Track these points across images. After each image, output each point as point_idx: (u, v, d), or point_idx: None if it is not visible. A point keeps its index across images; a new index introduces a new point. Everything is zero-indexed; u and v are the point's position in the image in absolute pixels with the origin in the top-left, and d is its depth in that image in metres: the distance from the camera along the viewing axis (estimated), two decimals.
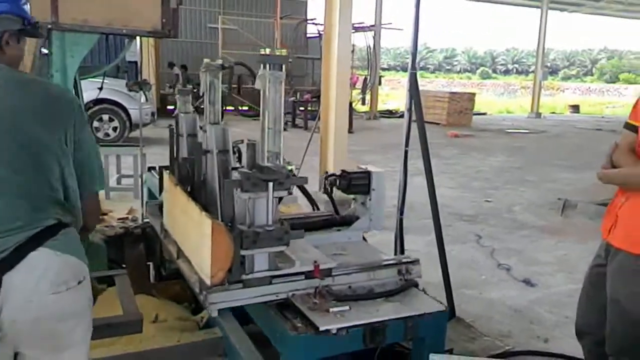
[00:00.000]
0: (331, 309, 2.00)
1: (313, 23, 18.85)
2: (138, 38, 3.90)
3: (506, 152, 11.50)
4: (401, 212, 3.38)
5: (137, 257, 3.19)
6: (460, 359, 2.04)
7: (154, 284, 3.24)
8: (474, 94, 18.98)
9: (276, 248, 2.03)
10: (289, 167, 2.10)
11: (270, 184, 1.97)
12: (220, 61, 2.54)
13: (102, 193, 6.11)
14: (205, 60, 2.57)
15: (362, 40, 17.85)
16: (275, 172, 1.97)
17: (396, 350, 2.60)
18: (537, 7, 21.70)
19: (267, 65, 1.98)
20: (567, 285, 4.18)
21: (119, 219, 4.30)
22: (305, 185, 2.58)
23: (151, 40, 14.03)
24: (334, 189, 2.71)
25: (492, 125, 17.55)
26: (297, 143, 9.90)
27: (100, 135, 9.68)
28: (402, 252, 3.41)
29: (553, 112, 25.27)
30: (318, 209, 3.07)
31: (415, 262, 2.34)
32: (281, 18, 17.67)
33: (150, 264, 3.32)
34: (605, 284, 2.20)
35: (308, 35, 20.62)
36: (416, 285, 2.26)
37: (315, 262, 2.12)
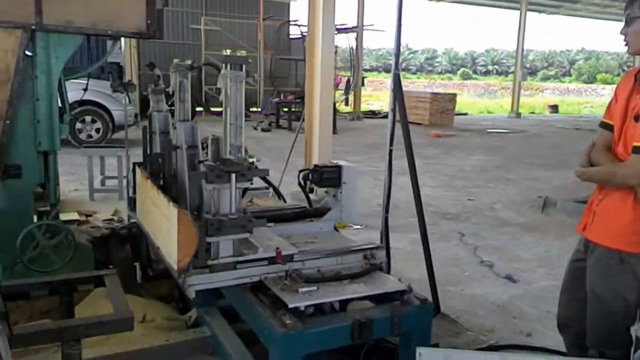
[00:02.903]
0: (300, 289, 2.14)
1: (296, 24, 18.84)
2: (123, 39, 3.89)
3: (487, 151, 11.65)
4: (386, 211, 3.43)
5: (123, 258, 3.19)
6: (446, 352, 2.08)
7: (141, 284, 3.25)
8: (455, 95, 19.16)
9: (240, 235, 2.16)
10: (251, 160, 2.21)
11: (233, 176, 2.10)
12: (189, 61, 2.65)
13: (86, 194, 6.12)
14: (175, 60, 2.67)
15: (344, 42, 17.95)
16: (237, 164, 2.11)
17: (383, 346, 2.65)
18: (516, 8, 21.99)
19: (229, 66, 2.11)
20: (548, 281, 4.27)
21: (105, 220, 4.28)
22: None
23: (133, 41, 13.92)
24: (307, 182, 2.85)
25: (473, 125, 17.75)
26: (281, 144, 9.93)
27: (83, 136, 9.57)
28: (388, 250, 3.45)
29: (532, 112, 25.63)
30: (285, 201, 3.22)
31: (380, 247, 2.51)
32: (264, 19, 17.65)
33: (137, 264, 3.33)
34: (585, 277, 2.27)
35: (291, 37, 20.61)
36: (381, 268, 2.42)
37: (277, 248, 2.28)
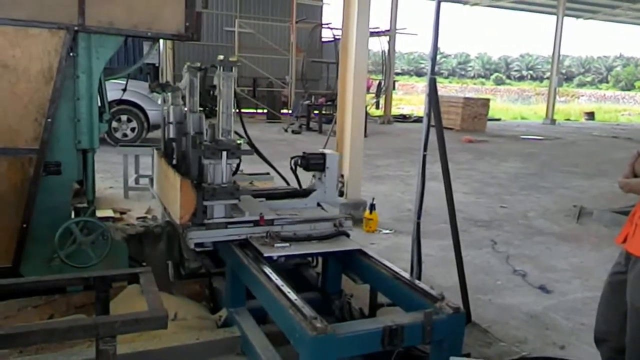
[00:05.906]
0: (276, 245, 2.65)
1: (328, 27, 18.86)
2: (161, 41, 3.96)
3: (520, 158, 11.44)
4: (418, 217, 3.39)
5: (157, 256, 3.24)
6: None
7: (173, 282, 3.28)
8: (488, 100, 18.84)
9: (229, 201, 2.75)
10: (238, 142, 2.78)
11: (224, 153, 2.68)
12: (198, 63, 3.10)
13: (120, 192, 6.24)
14: (187, 63, 3.09)
15: (376, 45, 17.87)
16: (227, 144, 2.69)
17: (413, 353, 2.62)
18: (553, 13, 21.57)
19: (221, 67, 2.67)
20: (582, 293, 4.16)
21: (138, 217, 4.35)
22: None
23: (169, 42, 14.14)
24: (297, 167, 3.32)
25: (506, 131, 17.46)
26: (311, 146, 9.92)
27: (118, 135, 9.74)
28: (419, 255, 3.42)
29: (568, 119, 25.06)
30: (289, 184, 3.69)
31: (348, 218, 3.00)
32: (297, 22, 17.73)
33: (170, 262, 3.37)
34: (625, 291, 2.20)
35: (323, 40, 20.63)
36: (347, 234, 2.87)
37: (261, 214, 2.81)
